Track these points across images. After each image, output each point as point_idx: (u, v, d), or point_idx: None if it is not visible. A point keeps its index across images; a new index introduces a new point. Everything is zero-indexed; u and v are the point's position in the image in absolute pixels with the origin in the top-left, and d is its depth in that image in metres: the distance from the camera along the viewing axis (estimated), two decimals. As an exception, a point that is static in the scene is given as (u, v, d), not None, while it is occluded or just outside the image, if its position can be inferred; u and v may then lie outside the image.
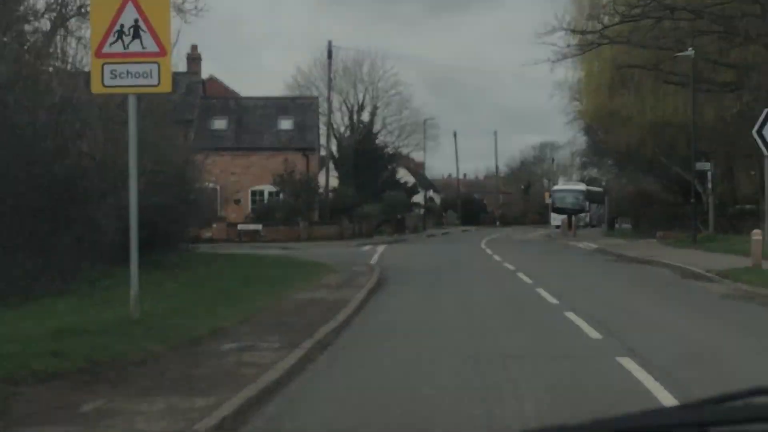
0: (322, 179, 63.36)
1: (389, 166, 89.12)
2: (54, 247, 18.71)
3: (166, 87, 15.54)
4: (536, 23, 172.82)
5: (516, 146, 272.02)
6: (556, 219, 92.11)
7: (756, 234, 27.17)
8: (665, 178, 72.67)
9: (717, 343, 14.39)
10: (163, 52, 14.86)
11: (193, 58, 62.62)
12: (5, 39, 22.08)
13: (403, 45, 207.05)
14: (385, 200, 74.67)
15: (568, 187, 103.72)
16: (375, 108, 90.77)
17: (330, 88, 65.97)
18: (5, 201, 17.57)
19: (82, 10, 27.85)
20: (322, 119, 70.25)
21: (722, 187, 64.78)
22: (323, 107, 70.73)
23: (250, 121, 62.08)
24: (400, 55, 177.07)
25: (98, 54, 14.99)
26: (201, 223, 35.24)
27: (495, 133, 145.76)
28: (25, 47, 24.07)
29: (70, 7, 28.41)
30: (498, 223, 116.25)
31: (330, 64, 63.83)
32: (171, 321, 15.12)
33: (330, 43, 62.44)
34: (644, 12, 49.49)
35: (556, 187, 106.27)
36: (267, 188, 59.40)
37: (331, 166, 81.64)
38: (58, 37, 27.24)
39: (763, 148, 33.47)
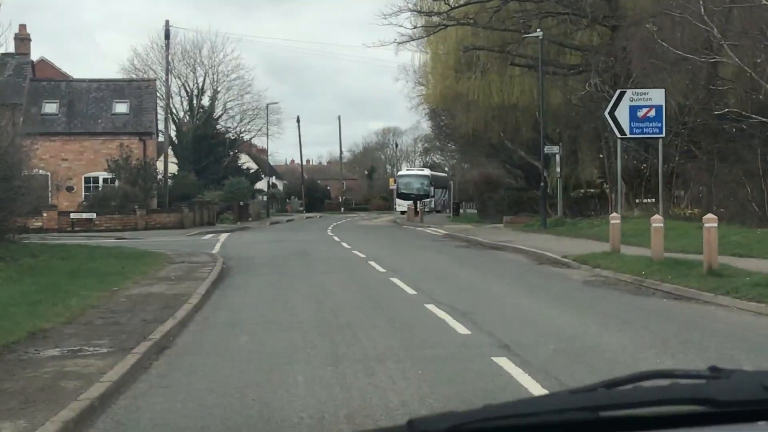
0: (161, 166, 60.91)
1: (231, 152, 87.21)
2: None
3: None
4: (382, 6, 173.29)
5: (359, 132, 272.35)
6: (402, 205, 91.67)
7: (614, 218, 26.29)
8: (509, 163, 72.48)
9: (595, 337, 13.11)
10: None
11: (22, 39, 59.35)
12: None
13: (244, 29, 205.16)
14: (227, 187, 72.70)
15: (413, 172, 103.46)
16: (216, 92, 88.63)
17: (168, 70, 63.44)
18: None
19: None
20: (161, 103, 67.77)
21: (566, 170, 64.81)
22: (162, 91, 68.25)
23: (83, 104, 59.01)
24: (240, 40, 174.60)
25: None
26: (29, 211, 32.71)
27: (339, 118, 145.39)
28: None
29: None
30: (343, 209, 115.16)
31: (167, 45, 61.23)
32: (-19, 323, 13.16)
33: (167, 22, 59.94)
34: (491, -8, 48.75)
35: (401, 173, 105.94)
36: (102, 175, 56.55)
37: (171, 151, 79.39)
38: None
39: (615, 130, 32.97)
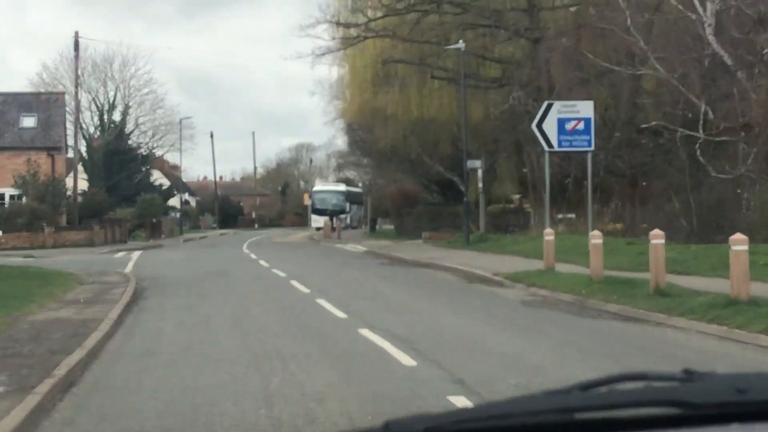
0: (71, 182, 58.80)
1: (143, 168, 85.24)
2: None
3: None
4: (295, 23, 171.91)
5: (272, 148, 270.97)
6: (318, 221, 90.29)
7: (547, 234, 25.22)
8: (426, 178, 71.51)
9: (556, 369, 11.87)
10: None
11: None
12: None
13: (156, 45, 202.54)
14: (139, 203, 70.95)
15: (329, 187, 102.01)
16: (127, 107, 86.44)
17: (77, 83, 61.34)
18: None
19: None
20: (70, 118, 65.56)
21: (475, 185, 63.93)
22: (71, 105, 66.03)
23: (-12, 118, 56.88)
24: (152, 55, 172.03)
25: None
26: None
27: (253, 133, 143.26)
28: None
29: None
30: (257, 225, 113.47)
31: (77, 57, 59.15)
32: None
33: (77, 33, 57.83)
34: (409, 6, 47.76)
35: (316, 188, 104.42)
36: (8, 191, 54.27)
37: (81, 167, 77.20)
38: None
39: (543, 143, 32.05)
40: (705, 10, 34.34)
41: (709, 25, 34.11)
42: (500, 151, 53.83)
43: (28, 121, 56.68)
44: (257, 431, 8.67)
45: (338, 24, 49.80)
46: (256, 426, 8.84)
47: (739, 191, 33.18)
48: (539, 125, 31.85)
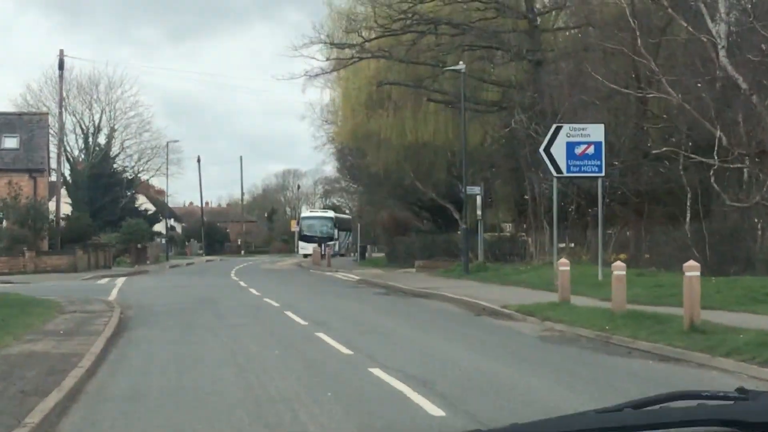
0: (53, 205, 57.06)
1: (128, 193, 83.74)
2: None
3: None
4: (283, 47, 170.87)
5: (259, 174, 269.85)
6: (306, 248, 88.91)
7: (563, 264, 23.57)
8: (417, 204, 70.01)
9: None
10: None
11: None
12: None
13: (143, 70, 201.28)
14: (124, 228, 69.29)
15: (317, 214, 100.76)
16: (112, 130, 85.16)
17: (61, 103, 59.54)
18: None
19: None
20: (54, 140, 63.87)
21: (471, 212, 62.33)
22: (55, 127, 64.36)
23: (-31, 138, 55.04)
24: (138, 78, 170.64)
25: None
26: None
27: (240, 158, 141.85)
28: None
29: None
30: (243, 252, 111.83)
31: (61, 76, 57.37)
32: None
33: (62, 52, 56.11)
34: (405, 26, 46.32)
35: (304, 214, 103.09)
36: (-12, 215, 52.60)
37: (65, 191, 75.45)
38: None
39: (551, 168, 30.52)
40: (718, 30, 32.96)
41: (723, 47, 32.73)
42: (496, 177, 52.31)
43: (10, 142, 54.84)
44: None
45: (332, 44, 48.35)
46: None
47: (756, 220, 31.75)
48: (547, 149, 30.29)
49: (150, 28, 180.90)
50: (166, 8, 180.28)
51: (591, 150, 30.04)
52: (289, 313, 24.08)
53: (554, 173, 30.48)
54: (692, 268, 17.15)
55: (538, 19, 46.99)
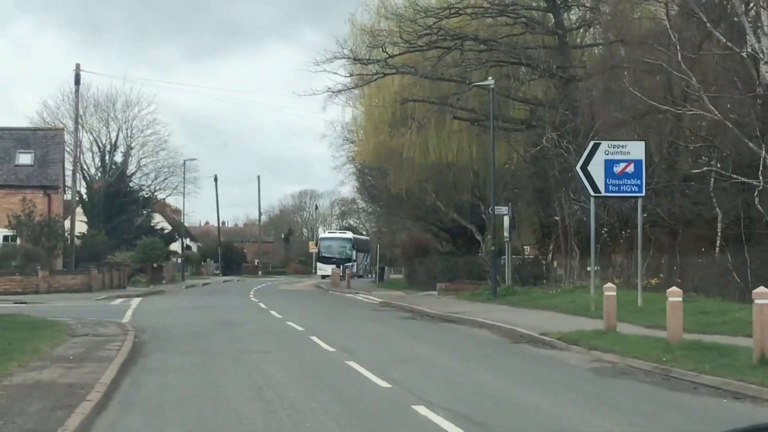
0: (69, 224, 55.76)
1: (145, 211, 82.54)
2: None
3: None
4: (301, 68, 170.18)
5: (275, 194, 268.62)
6: (324, 269, 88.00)
7: (609, 289, 21.96)
8: (437, 225, 68.61)
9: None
10: None
11: None
12: None
13: (160, 87, 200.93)
14: (140, 247, 67.97)
15: (336, 235, 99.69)
16: (129, 148, 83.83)
17: (77, 118, 58.33)
18: None
19: None
20: (69, 158, 62.49)
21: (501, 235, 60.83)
22: (71, 144, 63.02)
23: (-18, 154, 53.76)
24: (157, 98, 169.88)
25: None
26: None
27: (258, 177, 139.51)
28: None
29: None
30: (260, 272, 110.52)
31: (77, 91, 56.00)
32: None
33: (78, 66, 54.88)
34: (431, 42, 44.92)
35: (323, 235, 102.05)
36: (2, 232, 51.07)
37: (80, 209, 74.28)
38: None
39: (588, 187, 28.98)
40: (759, 44, 31.47)
41: (766, 62, 31.24)
42: (519, 198, 50.74)
43: (25, 158, 53.50)
44: None
45: (355, 60, 46.93)
46: None
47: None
48: (584, 167, 28.74)
49: (167, 48, 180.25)
50: (184, 28, 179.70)
51: (631, 168, 28.51)
52: (315, 339, 22.60)
53: (591, 192, 28.94)
54: (763, 295, 15.59)
55: (567, 36, 45.57)
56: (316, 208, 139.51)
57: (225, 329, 26.05)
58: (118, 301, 42.41)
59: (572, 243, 41.77)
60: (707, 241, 36.26)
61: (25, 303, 39.52)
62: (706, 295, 30.83)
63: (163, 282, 65.51)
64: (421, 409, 12.13)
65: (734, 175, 32.18)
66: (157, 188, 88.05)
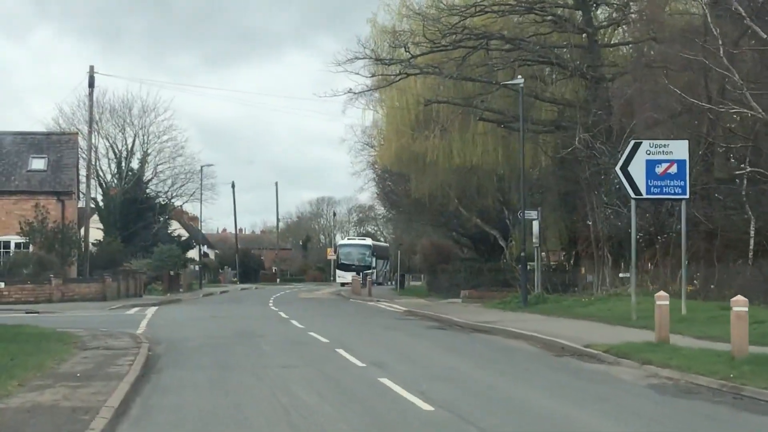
0: (84, 231, 54.34)
1: (161, 218, 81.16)
2: None
3: None
4: (318, 76, 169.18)
5: (292, 201, 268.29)
6: (343, 276, 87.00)
7: (661, 298, 20.25)
8: (458, 231, 67.11)
9: None
10: None
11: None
12: None
13: (177, 93, 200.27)
14: (156, 254, 66.86)
15: (355, 242, 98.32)
16: (146, 154, 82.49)
17: (91, 122, 56.70)
18: None
19: None
20: (84, 163, 61.14)
21: (521, 240, 59.17)
22: (86, 149, 61.63)
23: (-6, 159, 52.27)
24: (173, 104, 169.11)
25: None
26: None
27: (276, 183, 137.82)
28: None
29: None
30: (278, 280, 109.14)
31: (91, 93, 54.35)
32: None
33: (92, 68, 53.31)
34: (455, 42, 43.34)
35: (341, 242, 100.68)
36: (14, 239, 49.49)
37: (96, 216, 73.00)
38: None
39: (629, 189, 27.37)
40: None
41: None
42: (545, 202, 49.05)
43: (38, 163, 51.99)
44: None
45: (378, 60, 45.39)
46: None
47: None
48: (624, 168, 27.12)
49: (185, 56, 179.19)
50: (201, 36, 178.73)
51: (674, 169, 26.91)
52: (342, 351, 21.02)
53: (632, 195, 27.31)
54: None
55: (601, 33, 44.02)
56: (334, 214, 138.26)
57: (245, 341, 24.52)
58: (133, 310, 40.95)
59: (603, 248, 40.20)
60: (740, 246, 34.74)
61: (37, 312, 38.16)
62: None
63: (180, 290, 64.10)
64: (474, 436, 10.58)
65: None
66: (173, 195, 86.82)
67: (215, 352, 21.32)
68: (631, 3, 43.52)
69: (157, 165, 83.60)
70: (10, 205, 50.22)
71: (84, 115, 67.67)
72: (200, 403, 13.77)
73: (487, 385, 15.87)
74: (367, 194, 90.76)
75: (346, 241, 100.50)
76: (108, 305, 43.31)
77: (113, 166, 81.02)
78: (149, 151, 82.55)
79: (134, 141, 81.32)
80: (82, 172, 59.51)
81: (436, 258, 65.52)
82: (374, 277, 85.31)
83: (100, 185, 78.84)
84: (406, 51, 44.89)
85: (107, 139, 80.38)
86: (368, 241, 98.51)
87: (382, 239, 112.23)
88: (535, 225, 41.28)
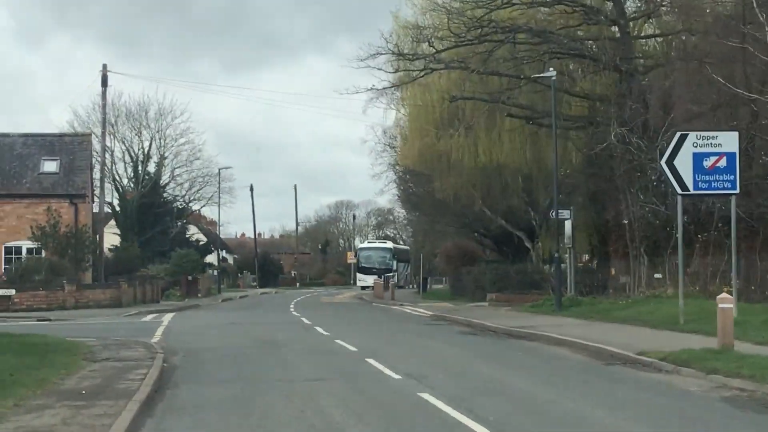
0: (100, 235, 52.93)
1: (179, 223, 79.83)
2: None
3: None
4: (337, 80, 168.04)
5: (311, 205, 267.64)
6: (364, 279, 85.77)
7: (724, 300, 18.44)
8: (480, 232, 65.55)
9: None
10: None
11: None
12: None
13: (195, 101, 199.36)
14: (174, 259, 65.47)
15: (375, 245, 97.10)
16: (163, 158, 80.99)
17: (104, 122, 55.04)
18: None
19: None
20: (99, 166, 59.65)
21: (549, 242, 57.60)
22: (105, 151, 60.11)
23: (6, 161, 50.22)
24: (190, 107, 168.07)
25: None
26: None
27: (295, 186, 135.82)
28: None
29: None
30: (298, 284, 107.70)
31: (104, 93, 52.70)
32: None
33: (105, 67, 51.73)
34: (481, 35, 41.57)
35: (362, 245, 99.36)
36: (26, 244, 47.92)
37: (113, 221, 71.80)
38: None
39: (675, 184, 25.55)
40: None
41: None
42: (574, 201, 47.27)
43: (50, 166, 50.34)
44: None
45: (401, 55, 43.69)
46: None
47: None
48: (669, 162, 25.33)
49: (204, 62, 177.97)
50: (220, 42, 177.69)
51: (723, 162, 25.12)
52: (373, 362, 19.30)
53: (678, 190, 25.49)
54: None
55: (632, 25, 42.24)
56: (354, 218, 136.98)
57: (268, 350, 22.85)
58: (150, 317, 39.38)
59: (639, 248, 38.48)
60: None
61: (49, 320, 36.73)
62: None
63: (199, 295, 62.54)
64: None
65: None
66: (191, 199, 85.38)
67: (236, 364, 19.66)
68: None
69: (174, 168, 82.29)
70: (22, 209, 48.62)
71: (99, 118, 66.32)
72: (220, 426, 12.10)
73: (539, 400, 14.15)
74: (386, 197, 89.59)
75: (366, 245, 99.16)
76: (123, 312, 41.76)
77: (129, 169, 79.71)
78: (166, 154, 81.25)
79: (151, 144, 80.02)
80: (97, 175, 58.06)
81: (460, 260, 63.82)
82: (396, 280, 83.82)
83: (117, 189, 77.65)
84: (430, 46, 43.28)
85: (123, 142, 79.15)
86: (389, 244, 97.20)
87: (401, 242, 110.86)
88: (567, 225, 39.54)
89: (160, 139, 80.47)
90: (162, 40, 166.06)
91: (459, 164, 48.03)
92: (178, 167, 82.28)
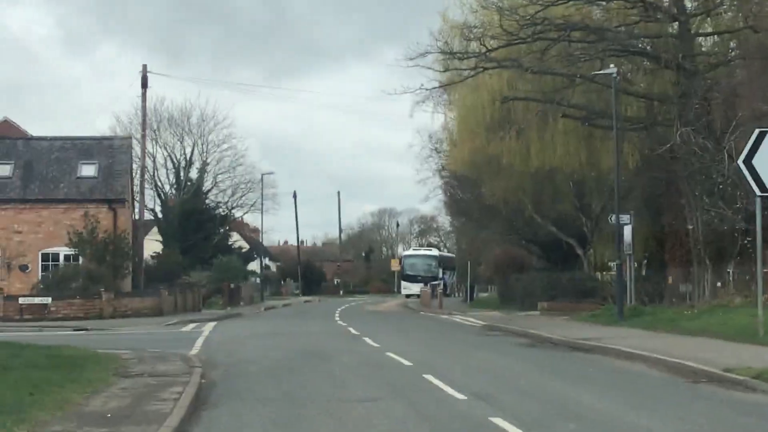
0: (146, 242, 51.64)
1: (221, 229, 78.72)
2: None
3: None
4: (380, 87, 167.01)
5: (353, 213, 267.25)
6: (408, 288, 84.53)
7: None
8: (528, 239, 63.70)
9: None
10: None
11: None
12: None
13: (237, 106, 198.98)
14: (216, 266, 64.25)
15: (420, 252, 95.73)
16: (205, 164, 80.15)
17: (144, 124, 53.59)
18: None
19: None
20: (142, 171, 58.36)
21: (600, 249, 55.81)
22: (146, 155, 58.83)
23: (43, 166, 49.09)
24: (232, 107, 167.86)
25: None
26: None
27: (338, 193, 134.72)
28: None
29: None
30: (342, 292, 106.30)
31: (144, 95, 51.28)
32: None
33: (145, 68, 50.47)
34: (535, 33, 39.70)
35: (407, 253, 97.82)
36: (63, 251, 46.53)
37: (155, 228, 70.86)
38: None
39: (753, 185, 23.50)
40: None
41: None
42: (631, 206, 45.33)
43: (88, 170, 48.93)
44: None
45: (451, 54, 41.96)
46: None
47: None
48: (747, 161, 23.38)
49: (248, 70, 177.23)
50: (264, 50, 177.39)
51: (806, 161, 23.10)
52: (431, 378, 17.52)
53: (757, 191, 23.48)
54: None
55: (691, 22, 40.26)
56: (398, 225, 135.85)
57: (315, 364, 21.12)
58: (190, 326, 37.86)
59: (703, 256, 36.55)
60: None
61: (86, 330, 35.44)
62: None
63: (241, 303, 61.18)
64: None
65: None
66: (234, 205, 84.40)
67: (280, 380, 17.95)
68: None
69: (217, 175, 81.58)
70: (59, 215, 47.26)
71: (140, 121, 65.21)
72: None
73: (629, 425, 12.30)
74: (430, 205, 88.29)
75: (411, 252, 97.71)
76: (164, 321, 40.31)
77: (171, 176, 79.10)
78: (208, 160, 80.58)
79: (193, 150, 79.29)
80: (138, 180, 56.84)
81: (509, 267, 62.16)
82: (442, 288, 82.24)
83: (159, 196, 76.97)
84: (481, 44, 41.49)
85: (165, 148, 78.47)
86: (434, 252, 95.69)
87: (445, 250, 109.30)
88: (627, 230, 37.53)
89: (202, 144, 79.92)
90: (205, 48, 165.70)
91: (509, 168, 46.35)
92: (221, 173, 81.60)
